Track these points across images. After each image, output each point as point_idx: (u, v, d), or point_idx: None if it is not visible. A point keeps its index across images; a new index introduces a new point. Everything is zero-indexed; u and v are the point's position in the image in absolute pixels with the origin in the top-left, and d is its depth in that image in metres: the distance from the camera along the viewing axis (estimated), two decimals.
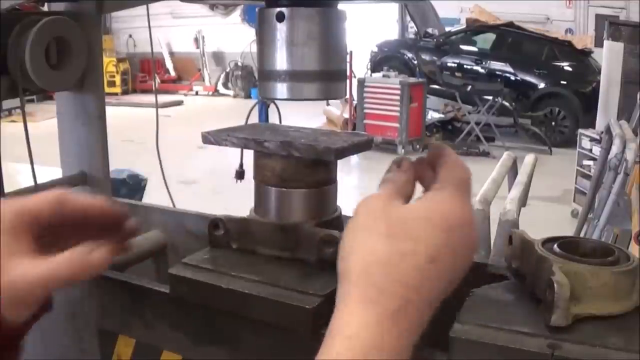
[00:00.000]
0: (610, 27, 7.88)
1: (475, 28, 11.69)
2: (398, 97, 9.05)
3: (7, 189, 1.47)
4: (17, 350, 0.65)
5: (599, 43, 9.55)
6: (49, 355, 1.05)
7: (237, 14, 15.93)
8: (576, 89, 10.35)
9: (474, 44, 11.72)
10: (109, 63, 15.51)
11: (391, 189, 0.61)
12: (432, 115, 10.45)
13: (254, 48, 1.18)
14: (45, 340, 1.06)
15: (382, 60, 11.87)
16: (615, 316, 0.63)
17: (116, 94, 15.66)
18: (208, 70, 17.14)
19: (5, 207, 0.63)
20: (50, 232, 0.65)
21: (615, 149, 4.24)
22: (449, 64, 11.47)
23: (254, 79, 15.79)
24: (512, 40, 11.33)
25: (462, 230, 0.57)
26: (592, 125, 7.38)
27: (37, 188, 1.54)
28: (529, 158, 3.09)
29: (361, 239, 0.57)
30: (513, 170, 3.04)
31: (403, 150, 9.15)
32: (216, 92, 16.84)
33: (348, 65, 5.46)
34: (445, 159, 0.63)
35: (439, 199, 0.59)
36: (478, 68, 11.27)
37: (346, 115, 10.17)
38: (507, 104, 10.08)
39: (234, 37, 16.00)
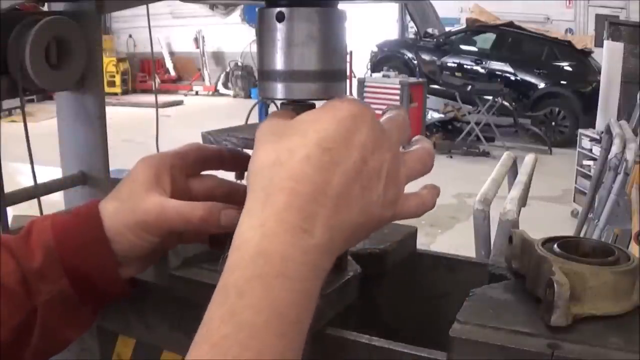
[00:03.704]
0: (610, 27, 7.88)
1: (475, 28, 11.69)
2: (398, 97, 9.05)
3: (7, 189, 1.47)
4: (96, 312, 0.69)
5: (599, 43, 9.55)
6: None
7: (237, 14, 15.94)
8: (576, 89, 10.35)
9: (474, 44, 11.72)
10: (109, 63, 15.51)
11: (281, 112, 0.60)
12: (432, 115, 10.45)
13: (254, 48, 1.18)
14: None
15: (382, 60, 11.87)
16: (615, 316, 0.63)
17: (116, 94, 15.66)
18: (208, 70, 17.15)
19: (158, 154, 0.70)
20: (187, 184, 0.71)
21: (615, 149, 4.24)
22: (449, 64, 11.48)
23: (254, 79, 15.80)
24: (512, 40, 11.34)
25: (354, 121, 0.54)
26: (592, 125, 7.38)
27: (37, 188, 1.54)
28: (529, 158, 3.09)
29: (255, 153, 0.55)
30: (513, 170, 3.05)
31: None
32: (216, 92, 16.85)
33: (348, 65, 5.47)
34: None
35: (328, 103, 0.57)
36: (478, 68, 11.27)
37: None
38: (507, 104, 10.08)
39: (234, 37, 16.01)
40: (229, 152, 0.76)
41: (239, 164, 0.76)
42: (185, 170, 0.71)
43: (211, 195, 0.73)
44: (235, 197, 0.73)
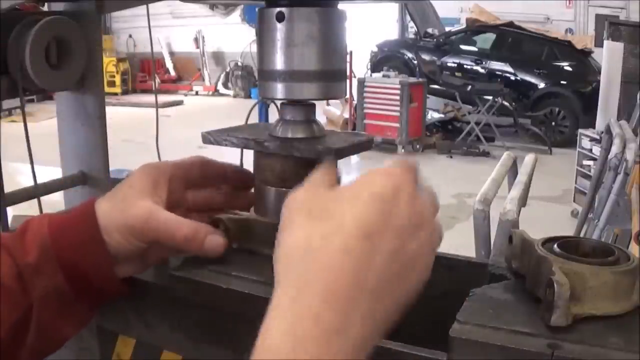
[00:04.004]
0: (610, 27, 7.88)
1: (475, 28, 11.69)
2: (398, 97, 9.06)
3: (7, 189, 1.47)
4: (93, 310, 0.70)
5: (599, 43, 9.55)
6: None
7: (237, 14, 15.94)
8: (576, 89, 10.35)
9: (474, 44, 11.72)
10: (109, 63, 15.52)
11: (318, 178, 0.57)
12: (432, 115, 10.46)
13: (254, 48, 1.18)
14: None
15: (382, 60, 11.87)
16: (615, 316, 0.63)
17: (116, 94, 15.66)
18: (208, 70, 17.15)
19: (161, 162, 0.72)
20: (187, 197, 0.73)
21: (615, 149, 4.24)
22: (449, 64, 11.48)
23: (254, 79, 15.80)
24: (512, 40, 11.34)
25: (395, 198, 0.50)
26: (592, 125, 7.37)
27: (37, 188, 1.54)
28: (529, 158, 3.09)
29: (285, 233, 0.51)
30: (513, 170, 3.04)
31: (403, 150, 9.15)
32: (216, 92, 16.85)
33: (348, 65, 5.48)
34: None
35: (365, 177, 0.53)
36: (478, 68, 11.27)
37: (346, 115, 10.18)
38: (507, 104, 10.08)
39: (234, 37, 16.02)
40: (233, 169, 0.77)
41: (242, 181, 0.76)
42: (185, 182, 0.72)
43: (210, 202, 0.75)
44: (227, 180, 0.76)
